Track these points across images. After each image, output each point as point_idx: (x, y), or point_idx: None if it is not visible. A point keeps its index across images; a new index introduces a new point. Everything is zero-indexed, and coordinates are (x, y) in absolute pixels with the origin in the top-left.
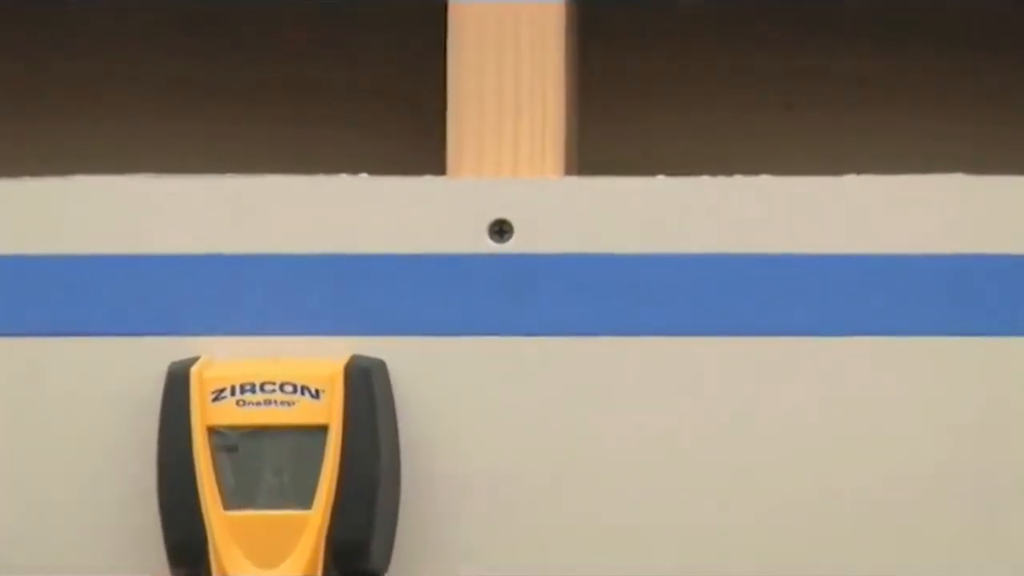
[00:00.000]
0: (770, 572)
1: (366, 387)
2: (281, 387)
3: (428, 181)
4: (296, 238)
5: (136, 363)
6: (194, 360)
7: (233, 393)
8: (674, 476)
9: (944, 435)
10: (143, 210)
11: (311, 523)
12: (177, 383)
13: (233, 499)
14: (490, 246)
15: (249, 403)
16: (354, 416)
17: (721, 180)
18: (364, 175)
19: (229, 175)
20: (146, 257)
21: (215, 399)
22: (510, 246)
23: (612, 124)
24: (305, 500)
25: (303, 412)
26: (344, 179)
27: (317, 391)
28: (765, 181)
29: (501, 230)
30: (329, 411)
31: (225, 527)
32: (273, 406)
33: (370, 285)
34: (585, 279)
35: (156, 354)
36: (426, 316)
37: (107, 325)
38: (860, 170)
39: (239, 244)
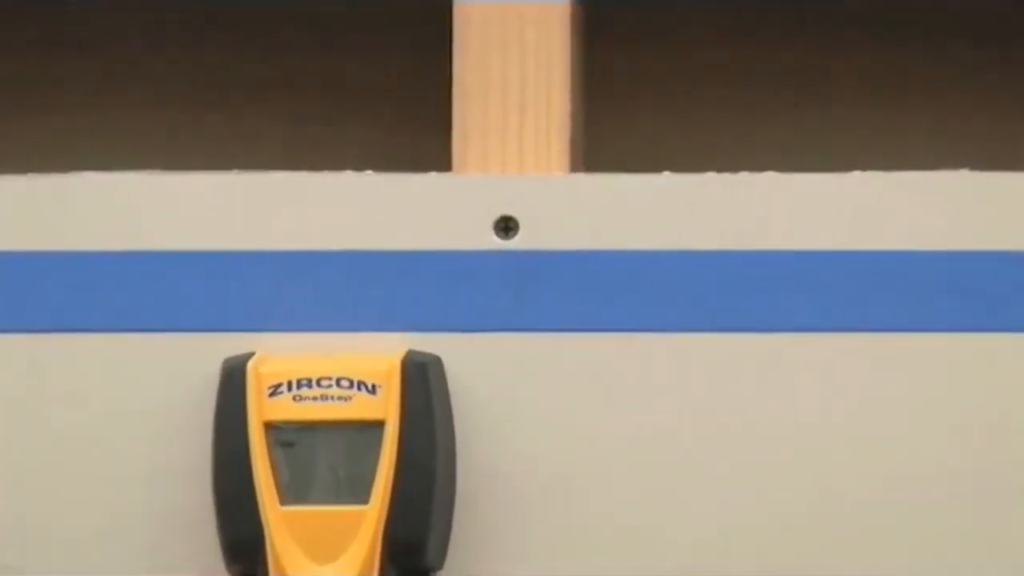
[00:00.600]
0: (781, 565)
1: (423, 382)
2: (338, 382)
3: (434, 178)
4: (299, 234)
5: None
6: (249, 355)
7: (290, 388)
8: (678, 473)
9: (949, 431)
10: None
11: (368, 519)
12: (233, 378)
13: (289, 495)
14: (496, 242)
15: (305, 398)
16: (411, 411)
17: (727, 177)
18: (369, 172)
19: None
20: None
21: (271, 394)
22: (516, 242)
23: (617, 121)
24: (362, 495)
25: (360, 407)
26: (350, 176)
27: (374, 386)
28: (770, 178)
29: (507, 226)
30: (386, 406)
31: (282, 523)
32: (330, 401)
33: (375, 280)
34: (590, 275)
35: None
36: (432, 312)
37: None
38: (865, 167)
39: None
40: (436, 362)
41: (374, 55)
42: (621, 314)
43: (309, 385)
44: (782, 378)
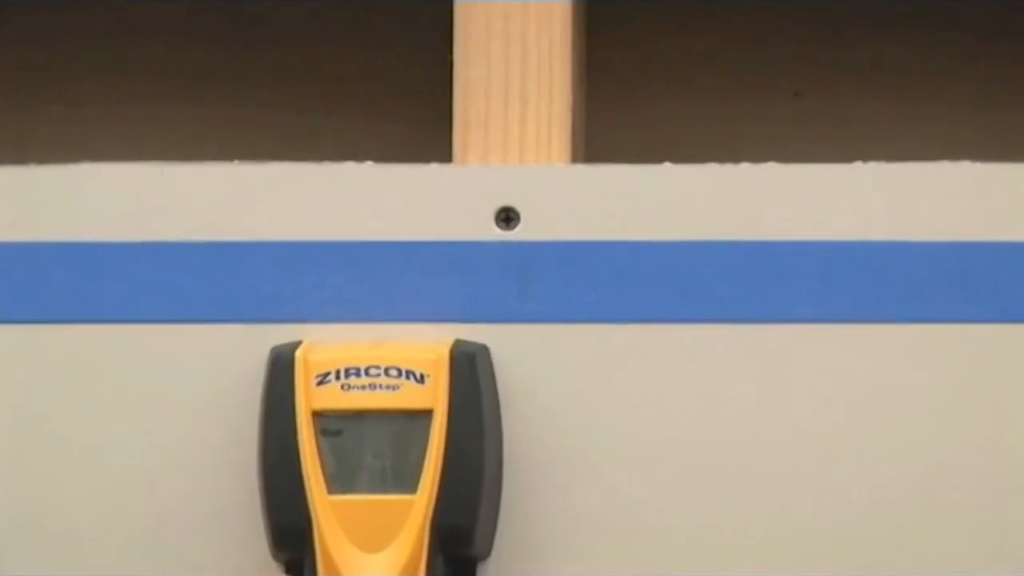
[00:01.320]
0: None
1: (471, 371)
2: (386, 371)
3: (435, 169)
4: (299, 225)
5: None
6: (297, 344)
7: (338, 377)
8: (678, 462)
9: (950, 422)
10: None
11: (416, 508)
12: (281, 367)
13: (337, 483)
14: (497, 233)
15: (354, 387)
16: (459, 400)
17: (728, 168)
18: (370, 163)
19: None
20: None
21: (319, 383)
22: (516, 233)
23: (619, 111)
24: (410, 484)
25: (408, 396)
26: (350, 167)
27: (422, 375)
28: (772, 169)
29: (508, 217)
30: (434, 395)
31: (329, 511)
32: (378, 390)
33: (379, 271)
34: (591, 266)
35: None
36: (431, 303)
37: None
38: (867, 158)
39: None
40: (484, 351)
41: (375, 46)
42: (622, 305)
43: (357, 374)
44: (784, 369)
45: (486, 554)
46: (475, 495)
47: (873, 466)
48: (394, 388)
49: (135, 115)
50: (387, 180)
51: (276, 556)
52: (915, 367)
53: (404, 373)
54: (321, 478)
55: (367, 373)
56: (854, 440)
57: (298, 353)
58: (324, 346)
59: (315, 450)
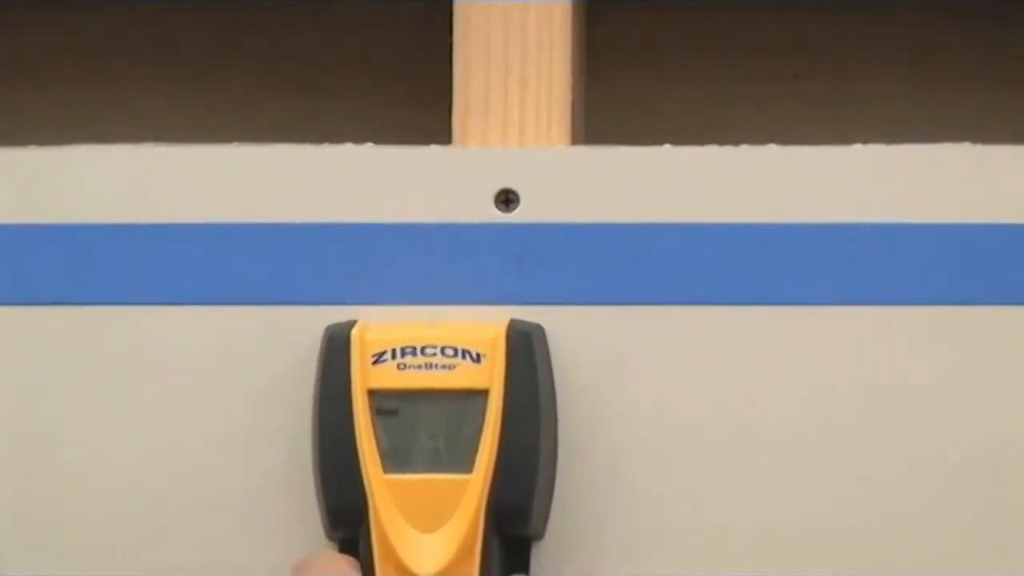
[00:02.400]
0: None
1: (527, 351)
2: (442, 350)
3: (434, 150)
4: (299, 207)
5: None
6: (352, 323)
7: (394, 356)
8: (679, 447)
9: (949, 404)
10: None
11: (472, 487)
12: (337, 346)
13: (392, 463)
14: (496, 215)
15: (410, 366)
16: (515, 380)
17: (728, 149)
18: (369, 144)
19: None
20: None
21: (375, 362)
22: (516, 215)
23: (619, 93)
24: (465, 464)
25: (464, 376)
26: (348, 149)
27: (478, 355)
28: (772, 150)
29: (507, 199)
30: (491, 375)
31: (385, 491)
32: (434, 369)
33: (377, 254)
34: (591, 248)
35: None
36: (433, 284)
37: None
38: (867, 140)
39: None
40: (539, 331)
41: (374, 27)
42: (621, 287)
43: (413, 353)
44: (783, 351)
45: (540, 534)
46: (531, 475)
47: (869, 449)
48: (450, 368)
49: (135, 97)
50: (385, 162)
51: (330, 535)
52: (915, 349)
53: (460, 352)
54: (377, 457)
55: (423, 352)
56: (850, 423)
57: (354, 332)
58: (379, 325)
59: (371, 429)
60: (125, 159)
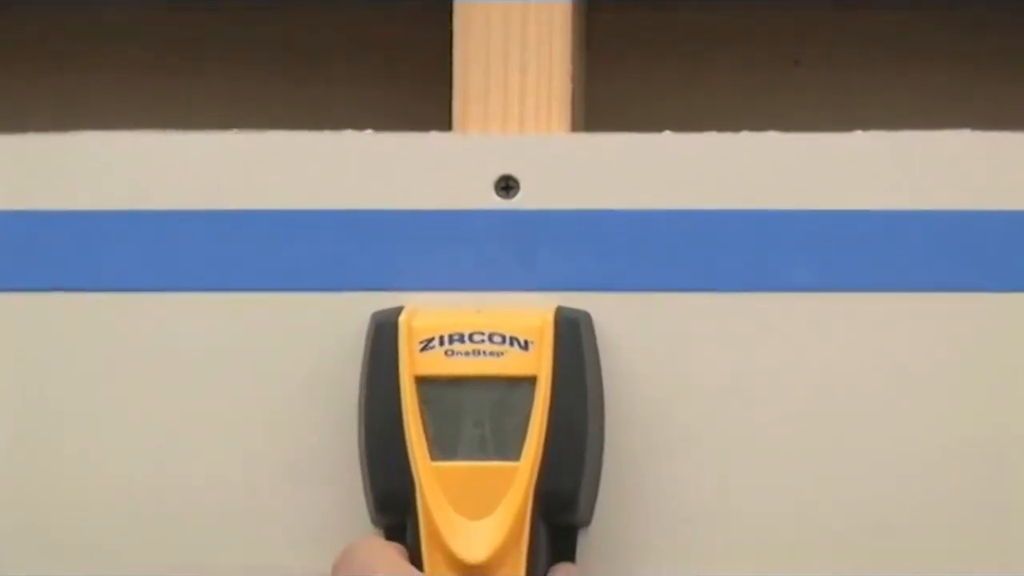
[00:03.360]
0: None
1: (575, 338)
2: (490, 337)
3: (434, 137)
4: (297, 193)
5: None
6: (398, 310)
7: (441, 343)
8: (678, 433)
9: (949, 391)
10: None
11: (520, 474)
12: (384, 332)
13: (439, 449)
14: (496, 202)
15: (457, 353)
16: (563, 367)
17: (728, 136)
18: (370, 131)
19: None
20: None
21: (423, 348)
22: (516, 202)
23: (619, 80)
24: (513, 451)
25: (512, 363)
26: (349, 135)
27: (526, 342)
28: (772, 137)
29: (507, 186)
30: (539, 362)
31: (433, 477)
32: (482, 356)
33: (379, 240)
34: (591, 235)
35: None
36: (433, 271)
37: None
38: (868, 126)
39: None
40: (586, 318)
41: (374, 14)
42: (622, 273)
43: (461, 340)
44: (783, 337)
45: (587, 521)
46: (578, 462)
47: (869, 436)
48: (498, 354)
49: (135, 84)
50: (385, 149)
51: (377, 521)
52: (915, 335)
53: (508, 339)
54: (424, 444)
55: (471, 339)
56: (850, 409)
57: (401, 319)
58: (426, 311)
59: (418, 416)
60: (129, 145)
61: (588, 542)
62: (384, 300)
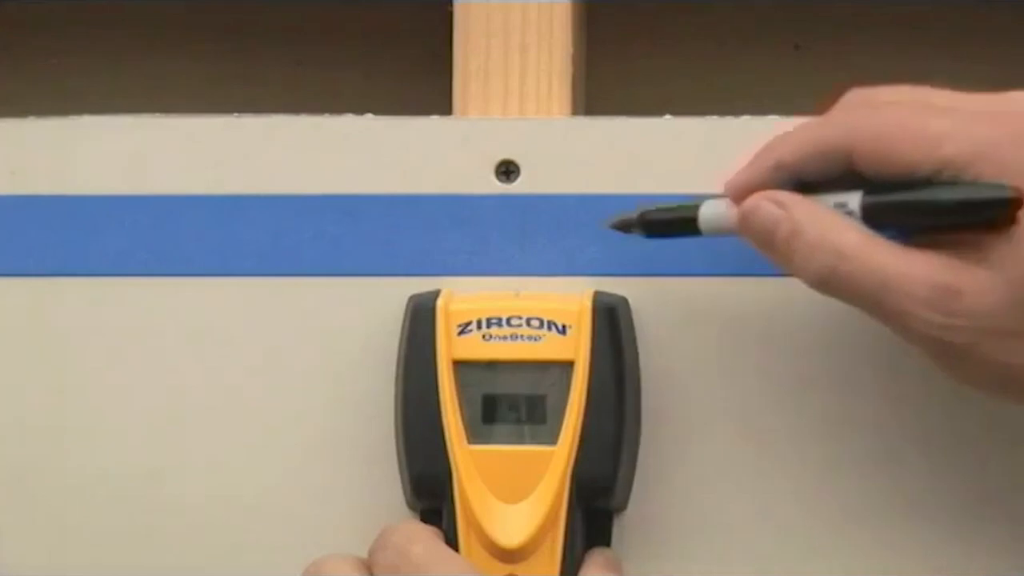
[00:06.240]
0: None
1: (612, 323)
2: (528, 322)
3: (434, 121)
4: (296, 178)
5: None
6: (435, 293)
7: (479, 327)
8: (676, 417)
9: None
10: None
11: (556, 459)
12: (421, 316)
13: (476, 433)
14: (496, 186)
15: (495, 337)
16: (600, 352)
17: (729, 120)
18: (370, 115)
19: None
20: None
21: (460, 332)
22: (517, 186)
23: (620, 63)
24: (550, 436)
25: (549, 347)
26: (349, 119)
27: (564, 326)
28: (773, 122)
29: (508, 170)
30: (576, 347)
31: (470, 461)
32: (519, 340)
33: (381, 225)
34: (591, 219)
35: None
36: (434, 255)
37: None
38: None
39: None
40: (624, 303)
41: None
42: (622, 258)
43: (499, 324)
44: (788, 322)
45: (623, 506)
46: (615, 447)
47: (868, 424)
48: (536, 339)
49: (136, 68)
50: (385, 133)
51: (413, 505)
52: None
53: (546, 324)
54: (461, 428)
55: (508, 323)
56: (849, 396)
57: (439, 302)
58: (464, 296)
59: (455, 400)
60: (127, 130)
61: (623, 527)
62: (382, 285)
